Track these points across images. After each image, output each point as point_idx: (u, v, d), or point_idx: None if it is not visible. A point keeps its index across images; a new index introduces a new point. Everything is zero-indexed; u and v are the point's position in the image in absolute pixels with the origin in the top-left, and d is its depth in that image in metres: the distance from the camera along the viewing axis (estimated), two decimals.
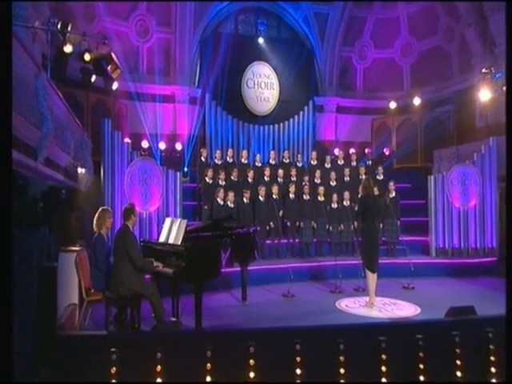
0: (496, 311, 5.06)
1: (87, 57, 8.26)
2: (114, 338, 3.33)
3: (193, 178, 10.83)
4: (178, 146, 12.33)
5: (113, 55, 8.29)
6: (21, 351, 2.78)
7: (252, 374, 3.22)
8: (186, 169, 12.02)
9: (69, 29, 7.82)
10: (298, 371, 3.28)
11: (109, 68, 8.27)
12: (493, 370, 3.65)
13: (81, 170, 9.22)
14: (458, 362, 3.60)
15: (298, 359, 3.29)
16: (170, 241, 5.34)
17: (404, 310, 6.53)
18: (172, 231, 5.42)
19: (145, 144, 11.80)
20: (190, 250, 5.07)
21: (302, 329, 3.68)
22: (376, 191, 6.78)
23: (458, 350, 3.60)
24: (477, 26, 11.62)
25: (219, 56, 12.89)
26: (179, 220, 5.53)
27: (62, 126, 7.28)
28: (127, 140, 10.33)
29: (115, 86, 8.69)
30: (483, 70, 10.35)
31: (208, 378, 3.19)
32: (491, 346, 3.67)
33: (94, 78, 8.99)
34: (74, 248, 5.68)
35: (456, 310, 4.27)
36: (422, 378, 3.48)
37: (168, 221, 5.71)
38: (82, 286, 5.16)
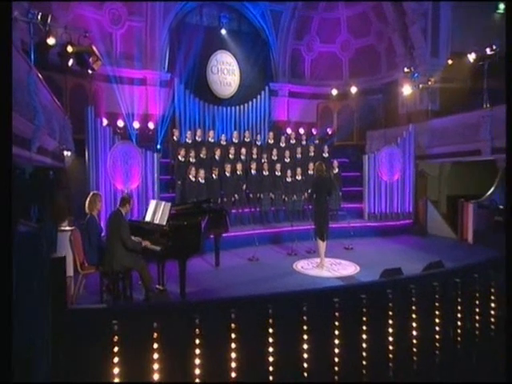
0: (414, 265, 5.45)
1: (70, 49, 7.78)
2: (114, 311, 3.21)
3: (165, 154, 10.61)
4: (151, 125, 12.03)
5: (94, 48, 7.85)
6: (37, 333, 2.72)
7: (233, 335, 3.21)
8: (158, 146, 11.74)
9: (49, 20, 7.29)
10: (271, 330, 3.31)
11: (90, 60, 7.86)
12: (414, 321, 3.99)
13: (67, 153, 8.87)
14: (390, 313, 3.81)
15: (271, 321, 3.30)
16: (156, 221, 5.24)
17: (347, 269, 6.66)
18: (157, 212, 5.32)
19: (120, 123, 11.42)
20: (174, 230, 5.01)
21: (272, 295, 3.58)
22: (325, 172, 6.89)
23: (390, 305, 3.76)
24: (400, 32, 12.07)
25: (186, 44, 12.52)
26: (163, 203, 5.43)
27: (50, 114, 6.91)
28: (104, 121, 9.98)
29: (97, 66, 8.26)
30: (405, 70, 10.83)
31: (197, 341, 3.14)
32: (413, 299, 3.83)
33: (71, 62, 8.51)
34: (68, 228, 5.58)
35: (388, 272, 4.35)
36: (364, 328, 3.74)
37: (153, 203, 5.59)
38: (77, 261, 5.05)
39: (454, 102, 10.52)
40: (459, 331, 4.34)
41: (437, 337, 4.16)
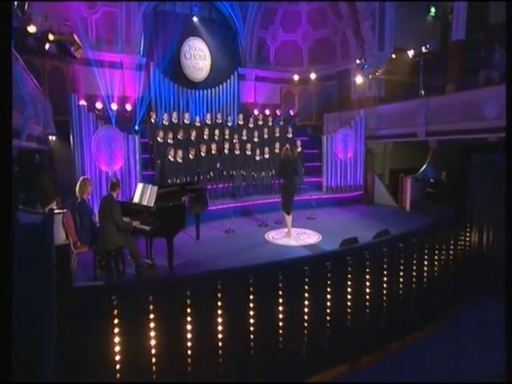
0: (365, 231, 5.71)
1: (51, 37, 7.14)
2: (113, 287, 3.13)
3: (143, 135, 10.13)
4: (128, 107, 11.50)
5: (75, 37, 7.25)
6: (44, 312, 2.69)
7: (220, 303, 3.29)
8: (136, 127, 11.25)
9: (26, 8, 6.61)
10: (252, 297, 3.37)
11: (72, 48, 7.27)
12: (367, 281, 4.21)
13: (52, 138, 8.34)
14: (349, 276, 4.02)
15: (251, 289, 3.36)
16: (144, 203, 5.10)
17: (311, 237, 6.68)
18: (144, 195, 5.18)
19: (99, 105, 10.81)
20: (161, 211, 4.93)
21: (252, 266, 3.65)
22: (291, 155, 6.89)
23: (349, 269, 3.99)
24: (353, 28, 12.13)
25: (161, 31, 11.93)
26: (150, 186, 5.27)
27: (34, 101, 6.43)
28: (83, 102, 9.40)
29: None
30: (357, 61, 10.94)
31: (188, 310, 3.20)
32: (367, 263, 4.14)
33: (47, 45, 7.84)
34: (59, 210, 5.37)
35: (347, 241, 4.45)
36: (328, 290, 3.97)
37: (140, 186, 5.41)
38: (70, 240, 4.93)
39: (397, 91, 10.86)
40: (401, 286, 4.73)
41: (384, 292, 4.53)
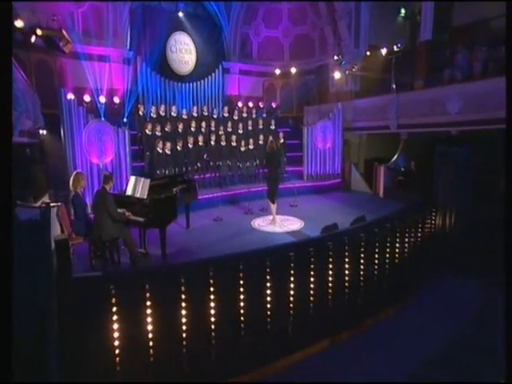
0: (344, 216, 5.77)
1: (39, 32, 6.69)
2: (111, 277, 3.14)
3: (132, 127, 9.61)
4: (116, 100, 11.06)
5: (64, 32, 6.82)
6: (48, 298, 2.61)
7: (212, 289, 3.32)
8: (125, 119, 10.87)
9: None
10: (242, 282, 3.48)
11: (61, 43, 6.85)
12: (346, 264, 4.35)
13: (42, 132, 7.95)
14: (330, 259, 4.14)
15: (241, 274, 3.46)
16: (137, 195, 4.96)
17: (294, 224, 6.61)
18: (137, 187, 5.03)
19: (87, 98, 10.35)
20: (154, 203, 4.82)
21: (241, 253, 3.68)
22: (276, 147, 6.81)
23: (330, 253, 4.12)
24: (331, 26, 11.98)
25: (147, 25, 11.43)
26: (142, 179, 5.11)
27: (24, 96, 6.09)
28: (70, 95, 8.98)
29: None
30: (335, 58, 10.88)
31: (183, 296, 3.20)
32: (346, 247, 4.29)
33: (33, 38, 7.37)
34: (54, 204, 5.18)
35: (327, 228, 4.52)
36: (312, 273, 4.04)
37: (132, 179, 5.22)
38: (66, 232, 4.76)
39: (371, 86, 10.91)
40: (376, 267, 4.87)
41: (361, 273, 4.66)
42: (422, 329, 4.48)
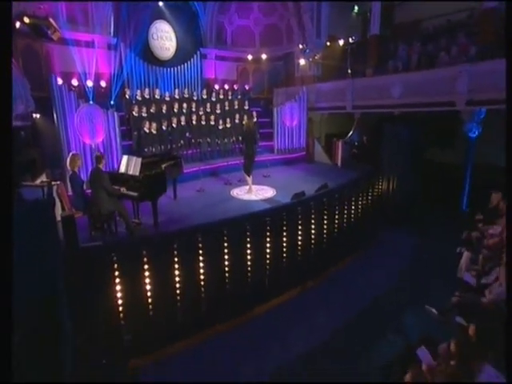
0: (309, 185, 5.64)
1: (26, 20, 5.71)
2: (112, 245, 3.02)
3: (119, 109, 8.75)
4: (103, 84, 10.07)
5: (51, 20, 5.85)
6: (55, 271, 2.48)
7: (200, 252, 3.28)
8: (112, 102, 9.98)
9: None
10: (226, 244, 3.45)
11: (49, 32, 5.91)
12: (312, 225, 4.36)
13: (35, 116, 7.12)
14: (300, 222, 4.13)
15: (225, 238, 3.43)
16: (130, 172, 4.72)
17: (268, 193, 6.50)
18: (130, 165, 4.77)
19: (74, 82, 9.34)
20: (146, 179, 4.63)
21: (225, 220, 3.57)
22: (252, 126, 6.52)
23: (299, 216, 4.14)
24: (296, 18, 11.36)
25: (129, 14, 10.20)
26: (134, 158, 4.83)
27: (16, 80, 5.34)
28: (59, 80, 8.03)
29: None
30: (300, 46, 10.43)
31: (175, 259, 3.13)
32: (312, 211, 4.24)
33: (18, 24, 6.37)
34: (54, 182, 4.78)
35: (297, 195, 4.43)
36: (284, 234, 4.03)
37: (125, 158, 4.92)
38: (66, 208, 4.51)
39: (331, 72, 10.64)
40: (336, 226, 4.94)
41: (324, 231, 4.70)
42: (370, 272, 4.69)
